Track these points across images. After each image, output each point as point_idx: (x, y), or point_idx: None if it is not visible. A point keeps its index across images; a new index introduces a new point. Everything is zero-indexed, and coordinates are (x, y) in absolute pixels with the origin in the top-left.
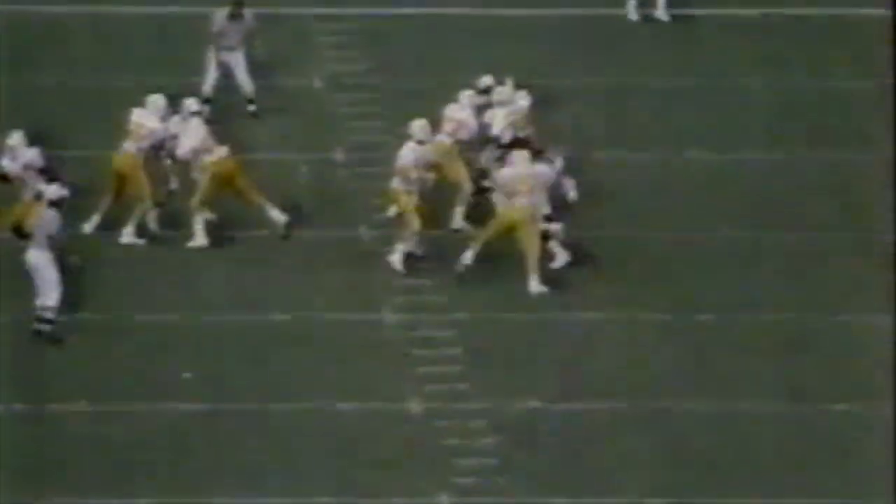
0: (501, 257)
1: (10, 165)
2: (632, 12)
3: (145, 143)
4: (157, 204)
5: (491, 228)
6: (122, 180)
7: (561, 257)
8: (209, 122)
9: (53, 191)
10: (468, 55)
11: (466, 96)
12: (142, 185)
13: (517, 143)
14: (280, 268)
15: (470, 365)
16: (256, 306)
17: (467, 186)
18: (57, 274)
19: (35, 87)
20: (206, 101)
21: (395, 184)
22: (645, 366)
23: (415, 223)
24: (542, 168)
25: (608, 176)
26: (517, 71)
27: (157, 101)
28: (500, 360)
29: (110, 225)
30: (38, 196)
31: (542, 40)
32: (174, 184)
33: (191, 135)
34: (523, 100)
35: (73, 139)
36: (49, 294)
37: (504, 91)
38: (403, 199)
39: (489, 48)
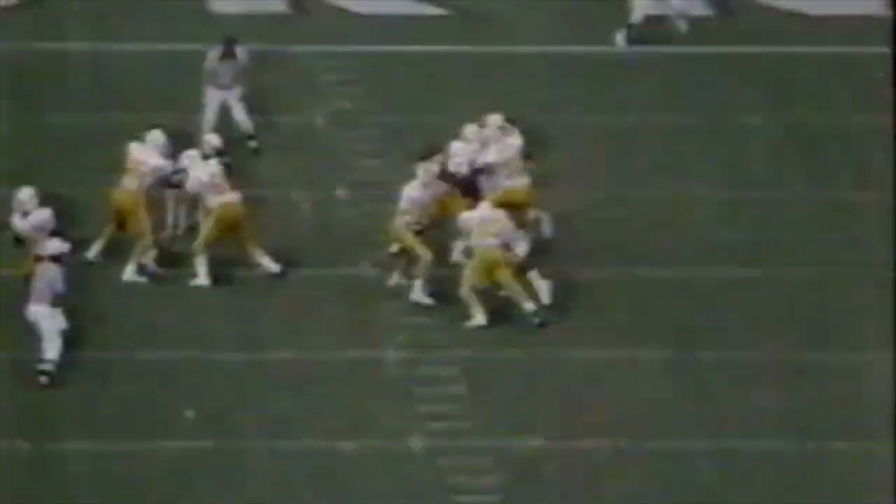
0: (499, 296)
1: (20, 224)
2: (620, 41)
3: (148, 180)
4: (158, 245)
5: (472, 274)
6: (122, 217)
7: (544, 291)
8: (229, 165)
9: (55, 246)
10: (469, 92)
11: (471, 132)
12: (142, 222)
13: (465, 182)
14: (281, 305)
15: (472, 402)
16: (258, 344)
17: None
18: (57, 328)
19: (35, 125)
20: (205, 140)
21: (399, 222)
22: (646, 403)
23: (427, 256)
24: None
25: (608, 213)
26: (519, 107)
27: (156, 136)
28: (503, 398)
29: (112, 259)
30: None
31: (544, 77)
32: (181, 223)
33: (204, 170)
34: (513, 137)
35: (73, 177)
36: (49, 347)
37: (491, 128)
38: (408, 238)
39: (490, 85)
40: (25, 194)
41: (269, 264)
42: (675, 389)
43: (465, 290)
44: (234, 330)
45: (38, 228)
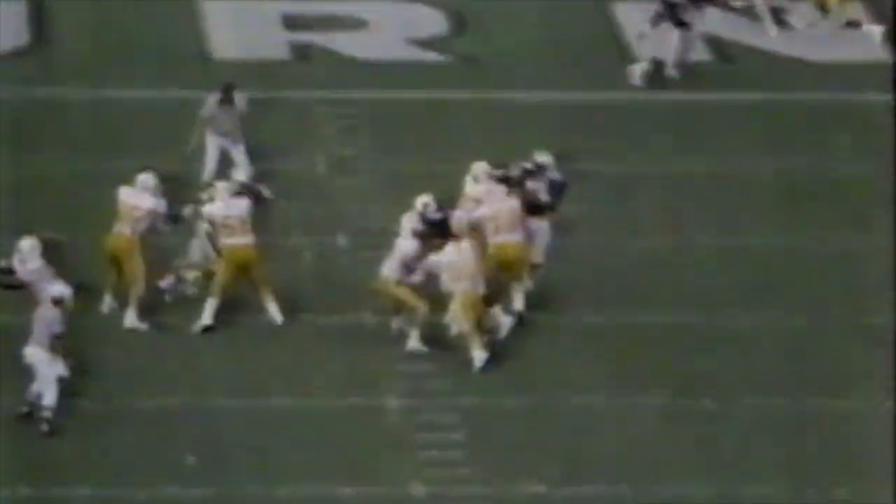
0: (500, 342)
1: (20, 270)
2: (635, 77)
3: (142, 225)
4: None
5: (468, 314)
6: (118, 263)
7: (504, 327)
8: (259, 203)
9: (56, 290)
10: (472, 139)
11: (484, 172)
12: (138, 267)
13: (439, 224)
14: (282, 353)
15: (473, 449)
16: (258, 391)
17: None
18: (55, 372)
19: (35, 171)
20: (208, 185)
21: (388, 272)
22: (647, 450)
23: (420, 308)
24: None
25: (611, 260)
26: (519, 153)
27: (146, 179)
28: (503, 445)
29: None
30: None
31: (548, 124)
32: (179, 272)
33: (226, 206)
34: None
35: (73, 224)
36: (46, 393)
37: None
38: (401, 290)
39: (492, 132)
40: (27, 244)
41: (275, 313)
42: (676, 436)
43: (465, 327)
44: (233, 376)
45: (37, 273)
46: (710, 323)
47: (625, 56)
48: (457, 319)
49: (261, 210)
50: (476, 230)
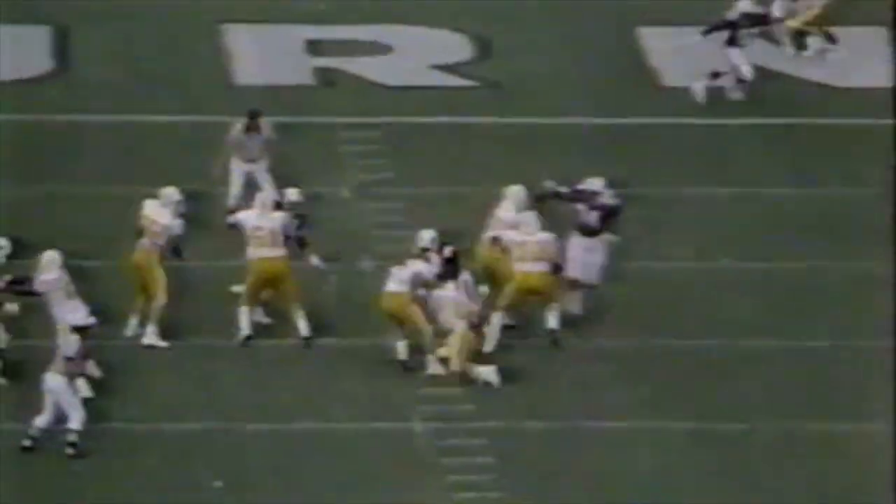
0: (527, 366)
1: (36, 280)
2: (699, 92)
3: (160, 241)
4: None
5: (463, 352)
6: (142, 279)
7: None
8: (302, 218)
9: (79, 318)
10: (495, 163)
11: (514, 193)
12: (157, 283)
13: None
14: (306, 376)
15: (500, 473)
16: (282, 415)
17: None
18: (77, 396)
19: (57, 195)
20: (231, 212)
21: (399, 287)
22: (674, 474)
23: (429, 331)
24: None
25: (637, 284)
26: (545, 178)
27: (170, 195)
28: (531, 469)
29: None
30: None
31: (572, 149)
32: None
33: (259, 218)
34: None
35: (94, 248)
36: (73, 416)
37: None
38: (414, 310)
39: (516, 157)
40: (47, 255)
41: (304, 328)
42: (702, 459)
43: (459, 365)
44: (256, 400)
45: (51, 285)
46: (735, 346)
47: (650, 80)
48: (451, 356)
49: (299, 233)
50: (499, 246)
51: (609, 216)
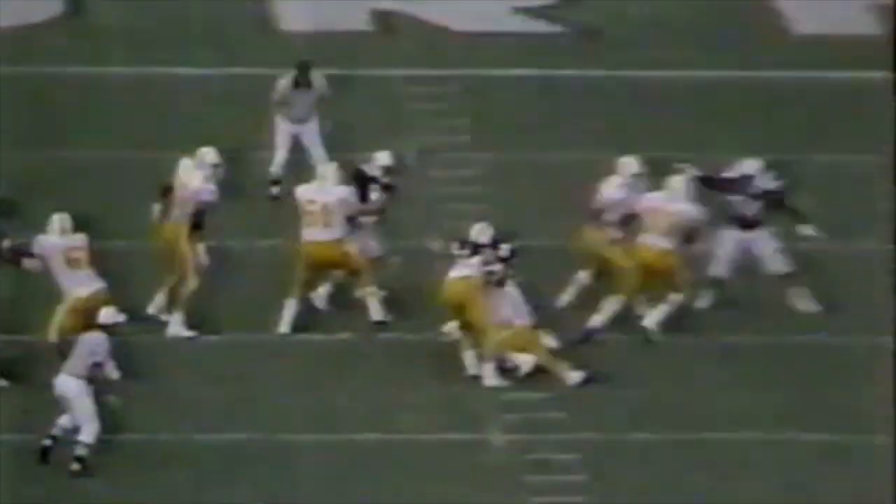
0: (628, 367)
1: (44, 243)
2: None
3: (189, 209)
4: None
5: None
6: (171, 255)
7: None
8: (389, 188)
9: (108, 315)
10: (588, 124)
11: (626, 166)
12: (184, 261)
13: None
14: (364, 377)
15: (596, 495)
16: (336, 423)
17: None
18: (93, 405)
19: (68, 160)
20: (274, 182)
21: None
22: (803, 494)
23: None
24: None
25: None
26: (642, 143)
27: (207, 155)
28: (632, 489)
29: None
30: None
31: (677, 107)
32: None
33: (318, 186)
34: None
35: (110, 228)
36: (85, 427)
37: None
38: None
39: (614, 117)
40: (57, 217)
41: (375, 310)
42: (834, 478)
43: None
44: (307, 406)
45: (51, 251)
46: (871, 343)
47: (751, 30)
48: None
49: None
50: (628, 224)
51: (774, 205)
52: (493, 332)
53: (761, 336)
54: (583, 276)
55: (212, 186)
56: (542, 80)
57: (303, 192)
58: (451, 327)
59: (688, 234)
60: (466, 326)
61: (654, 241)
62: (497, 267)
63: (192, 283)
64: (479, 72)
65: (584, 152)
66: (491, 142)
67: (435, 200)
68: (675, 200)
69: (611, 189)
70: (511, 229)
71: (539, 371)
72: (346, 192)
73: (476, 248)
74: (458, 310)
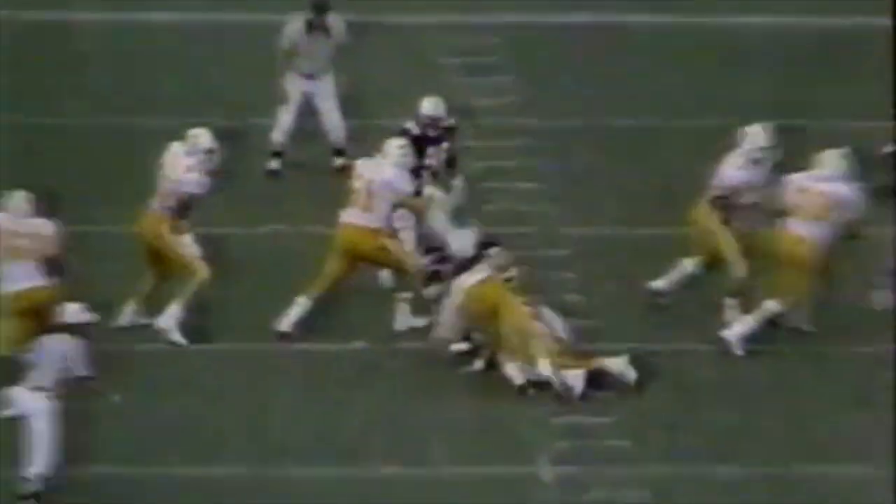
0: (708, 383)
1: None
2: None
3: (170, 202)
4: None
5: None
6: (155, 253)
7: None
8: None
9: (73, 313)
10: (661, 81)
11: (753, 137)
12: (176, 253)
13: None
14: (385, 396)
15: None
16: (353, 454)
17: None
18: (52, 429)
19: (20, 131)
20: (275, 153)
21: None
22: None
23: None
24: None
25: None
26: (733, 106)
27: (198, 138)
28: None
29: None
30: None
31: (767, 59)
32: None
33: (369, 162)
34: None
35: (79, 211)
36: (36, 457)
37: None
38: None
39: (706, 75)
40: (17, 195)
41: (405, 317)
42: None
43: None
44: (318, 433)
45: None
46: None
47: None
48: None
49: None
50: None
51: None
52: (537, 331)
53: (873, 346)
54: (688, 264)
55: (200, 177)
56: (601, 27)
57: (360, 164)
58: (460, 347)
59: (850, 226)
60: (496, 339)
61: (797, 229)
62: (514, 272)
63: (200, 273)
64: (528, 18)
65: (666, 118)
66: (545, 105)
67: (472, 176)
68: (828, 180)
69: (731, 168)
70: (573, 215)
71: (592, 382)
72: (396, 175)
73: (482, 251)
74: (489, 317)
